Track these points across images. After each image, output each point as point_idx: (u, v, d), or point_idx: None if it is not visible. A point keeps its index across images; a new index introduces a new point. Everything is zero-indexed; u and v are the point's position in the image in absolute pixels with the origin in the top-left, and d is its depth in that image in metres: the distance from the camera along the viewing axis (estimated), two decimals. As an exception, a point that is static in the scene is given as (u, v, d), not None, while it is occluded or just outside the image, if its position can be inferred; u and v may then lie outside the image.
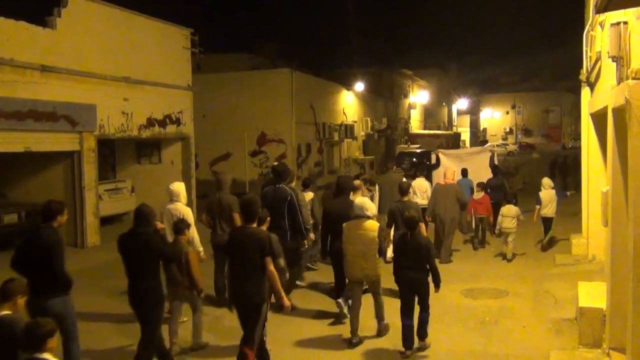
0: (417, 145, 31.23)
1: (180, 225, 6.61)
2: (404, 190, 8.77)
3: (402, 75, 40.27)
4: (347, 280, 7.20)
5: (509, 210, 10.89)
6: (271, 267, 5.34)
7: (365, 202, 6.93)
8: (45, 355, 3.76)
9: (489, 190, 12.34)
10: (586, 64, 9.62)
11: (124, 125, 13.83)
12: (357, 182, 9.36)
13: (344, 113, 28.48)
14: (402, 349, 6.34)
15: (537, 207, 11.53)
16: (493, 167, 13.75)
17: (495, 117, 74.92)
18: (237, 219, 7.41)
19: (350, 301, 6.95)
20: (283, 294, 5.51)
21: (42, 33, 11.72)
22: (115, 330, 7.34)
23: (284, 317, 6.66)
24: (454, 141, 39.06)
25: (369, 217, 6.73)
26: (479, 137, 65.16)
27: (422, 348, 6.45)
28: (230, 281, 5.76)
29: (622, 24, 5.59)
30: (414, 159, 21.11)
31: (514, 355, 6.38)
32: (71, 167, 12.66)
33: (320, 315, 7.79)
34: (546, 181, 11.83)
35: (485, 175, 13.63)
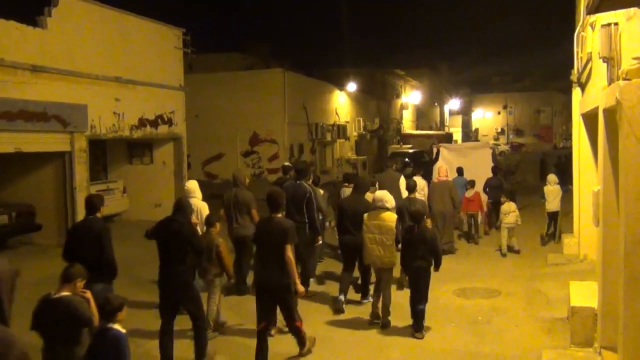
0: (410, 146, 31.26)
1: (211, 219, 7.04)
2: (412, 187, 9.56)
3: (394, 76, 40.33)
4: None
5: (509, 207, 11.36)
6: (289, 254, 5.84)
7: (385, 195, 7.48)
8: (116, 325, 4.41)
9: (487, 189, 12.98)
10: (577, 65, 9.68)
11: (115, 126, 13.76)
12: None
13: (336, 113, 28.49)
14: (415, 333, 6.95)
15: (543, 200, 12.25)
16: (493, 167, 14.07)
17: (487, 117, 75.21)
18: (256, 214, 8.26)
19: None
20: (297, 279, 6.03)
21: (33, 33, 11.63)
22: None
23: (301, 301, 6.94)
24: (446, 141, 39.12)
25: (388, 209, 7.32)
26: (470, 138, 65.36)
27: (419, 337, 6.89)
28: (257, 267, 6.23)
29: (612, 25, 5.64)
30: (407, 159, 21.26)
31: (506, 355, 6.40)
32: (62, 167, 12.56)
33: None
34: (551, 177, 12.35)
35: (484, 171, 13.87)
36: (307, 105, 24.60)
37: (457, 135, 54.76)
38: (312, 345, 6.32)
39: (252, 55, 31.12)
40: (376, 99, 35.52)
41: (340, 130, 27.90)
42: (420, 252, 6.85)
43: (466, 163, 14.18)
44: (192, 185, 8.23)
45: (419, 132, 41.44)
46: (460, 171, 13.41)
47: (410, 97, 43.75)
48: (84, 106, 12.64)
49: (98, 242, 5.85)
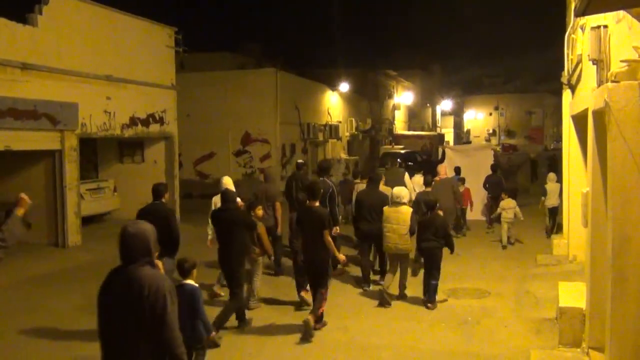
0: (401, 146, 31.33)
1: (254, 204, 7.95)
2: (428, 182, 11.16)
3: (386, 76, 40.40)
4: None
5: (508, 203, 12.36)
6: (328, 237, 7.12)
7: (402, 190, 8.57)
8: (189, 281, 5.43)
9: (487, 186, 14.20)
10: (567, 67, 9.73)
11: (106, 124, 13.69)
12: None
13: (328, 113, 28.50)
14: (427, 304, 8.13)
15: (543, 198, 13.22)
16: (492, 165, 15.00)
17: (479, 119, 75.43)
18: (279, 207, 9.57)
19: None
20: (337, 252, 7.51)
21: (23, 30, 11.55)
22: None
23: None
24: (437, 142, 39.27)
25: (404, 204, 8.36)
26: (462, 138, 65.57)
27: (431, 307, 8.04)
28: (303, 247, 7.46)
29: (602, 27, 5.68)
30: (398, 160, 21.43)
31: (495, 355, 6.43)
32: (52, 166, 12.49)
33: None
34: (552, 175, 13.38)
35: (487, 170, 14.80)
36: (300, 105, 24.60)
37: (449, 136, 54.98)
38: (323, 325, 7.19)
39: (245, 54, 31.05)
40: (368, 99, 35.57)
41: (332, 131, 27.90)
42: (432, 235, 8.09)
43: (469, 163, 15.52)
44: (226, 180, 9.07)
45: (411, 132, 41.53)
46: (457, 170, 14.43)
47: (403, 97, 43.84)
48: (75, 104, 12.57)
49: (166, 223, 6.66)
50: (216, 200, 8.42)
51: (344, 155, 29.62)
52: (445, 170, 12.92)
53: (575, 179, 9.73)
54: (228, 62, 28.42)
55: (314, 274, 7.29)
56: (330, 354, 6.52)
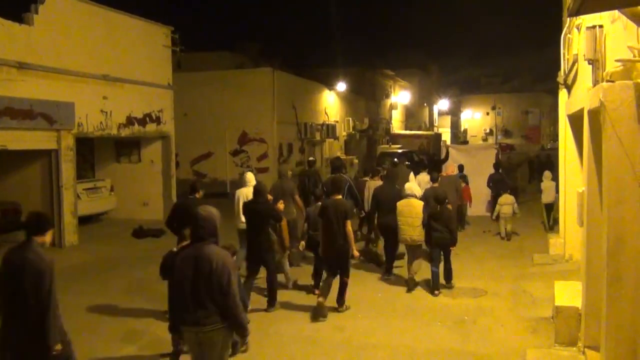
0: (399, 146, 31.31)
1: (281, 197, 8.86)
2: (435, 179, 11.66)
3: (383, 76, 40.41)
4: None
5: (506, 199, 13.00)
6: (349, 228, 7.72)
7: (414, 186, 9.57)
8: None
9: (490, 184, 14.93)
10: (564, 67, 9.74)
11: (103, 124, 13.68)
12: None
13: (325, 113, 28.49)
14: (433, 291, 8.71)
15: (539, 195, 14.07)
16: (495, 164, 15.73)
17: (476, 118, 75.53)
18: (299, 200, 10.16)
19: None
20: (354, 247, 7.94)
21: (19, 29, 11.54)
22: (95, 327, 7.27)
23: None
24: (435, 142, 39.26)
25: (416, 197, 9.13)
26: (459, 138, 65.62)
27: (450, 287, 9.00)
28: (324, 237, 7.91)
29: (597, 27, 5.68)
30: (395, 159, 21.53)
31: (491, 354, 6.44)
32: (49, 165, 12.48)
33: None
34: (547, 174, 13.99)
35: (489, 168, 15.53)
36: (297, 105, 24.59)
37: (446, 135, 54.97)
38: (346, 309, 7.67)
39: (242, 54, 31.01)
40: (365, 98, 35.57)
41: (330, 130, 27.89)
42: (443, 226, 8.74)
43: (472, 162, 16.40)
44: (249, 176, 9.72)
45: (408, 132, 41.52)
46: (460, 168, 15.23)
47: (400, 97, 43.86)
48: (71, 104, 12.55)
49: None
50: (243, 193, 9.22)
51: (341, 155, 29.65)
52: (452, 169, 14.41)
53: (572, 179, 9.76)
54: (225, 61, 28.37)
55: (336, 262, 7.81)
56: (327, 354, 6.53)
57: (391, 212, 9.24)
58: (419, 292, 8.90)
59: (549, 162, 22.04)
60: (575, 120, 8.45)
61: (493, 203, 14.40)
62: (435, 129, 54.47)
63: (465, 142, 56.66)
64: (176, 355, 6.10)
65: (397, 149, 29.16)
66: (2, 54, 11.03)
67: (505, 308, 8.05)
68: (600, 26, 5.68)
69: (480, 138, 70.73)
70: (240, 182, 9.67)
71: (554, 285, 7.31)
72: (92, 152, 16.61)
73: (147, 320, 7.56)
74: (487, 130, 74.64)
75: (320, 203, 8.52)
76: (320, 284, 8.22)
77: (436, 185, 11.13)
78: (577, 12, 3.95)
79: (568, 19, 8.79)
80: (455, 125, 66.24)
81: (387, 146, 32.03)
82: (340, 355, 6.48)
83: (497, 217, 13.03)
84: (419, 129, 46.53)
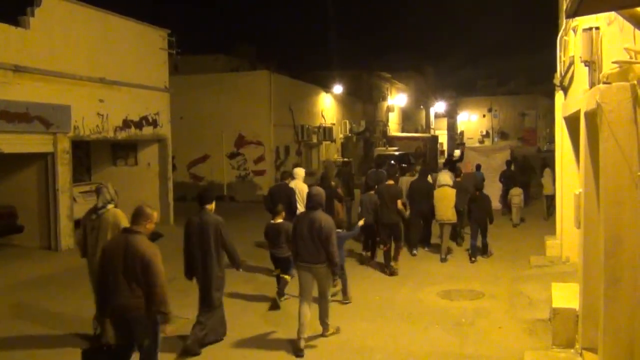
0: (396, 148, 31.38)
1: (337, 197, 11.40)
2: (458, 174, 13.15)
3: (380, 78, 40.45)
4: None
5: (515, 191, 15.44)
6: (401, 205, 10.70)
7: (447, 176, 11.73)
8: (279, 219, 8.59)
9: (502, 179, 16.91)
10: (560, 68, 9.76)
11: (99, 127, 13.64)
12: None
13: (322, 115, 28.50)
14: (471, 258, 11.20)
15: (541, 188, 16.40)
16: (507, 161, 17.73)
17: (473, 120, 75.61)
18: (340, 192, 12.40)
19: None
20: (405, 215, 11.22)
21: (15, 32, 11.50)
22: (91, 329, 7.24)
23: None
24: (431, 144, 39.33)
25: (449, 186, 11.42)
26: (456, 140, 65.71)
27: (487, 256, 11.46)
28: (381, 214, 10.39)
29: (593, 29, 5.70)
30: (392, 161, 21.74)
31: (489, 356, 6.44)
32: (45, 169, 12.43)
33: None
34: (547, 170, 15.80)
35: (503, 168, 17.59)
36: (293, 107, 24.59)
37: (443, 137, 55.05)
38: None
39: (238, 57, 31.03)
40: (362, 101, 35.60)
41: (326, 133, 27.89)
42: (481, 209, 11.22)
43: (488, 161, 18.18)
44: (298, 170, 11.01)
45: (404, 134, 41.60)
46: (478, 167, 17.12)
47: (396, 99, 43.91)
48: (67, 107, 12.52)
49: (288, 199, 9.89)
50: (296, 185, 10.45)
51: (338, 157, 29.66)
52: (470, 167, 16.98)
53: (568, 181, 9.76)
54: (222, 64, 28.39)
55: (390, 231, 10.35)
56: (325, 357, 6.51)
57: (424, 200, 11.59)
58: (417, 294, 8.89)
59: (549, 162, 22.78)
60: (572, 122, 8.46)
61: (504, 197, 16.55)
62: (432, 131, 54.54)
63: (462, 144, 56.80)
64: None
65: (394, 151, 29.22)
66: (-2, 57, 11.00)
67: (503, 310, 8.05)
68: (597, 28, 5.70)
69: (477, 140, 70.82)
70: (283, 177, 11.04)
71: (552, 287, 7.31)
72: (88, 155, 16.56)
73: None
74: (484, 133, 74.75)
75: (372, 192, 10.71)
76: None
77: (459, 179, 12.94)
78: (575, 13, 3.96)
79: (564, 21, 8.81)
80: (451, 128, 66.31)
81: (384, 148, 32.10)
82: (338, 358, 6.46)
83: (509, 206, 15.38)
84: (416, 132, 46.60)
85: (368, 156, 32.76)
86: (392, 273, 10.12)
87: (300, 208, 9.68)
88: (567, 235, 9.94)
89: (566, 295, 6.71)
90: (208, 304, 6.60)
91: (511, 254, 11.71)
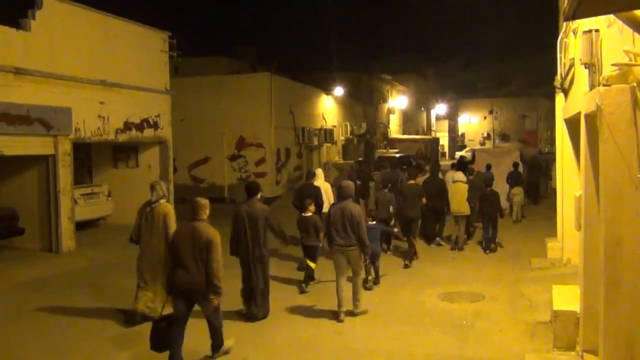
0: (396, 150, 31.40)
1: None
2: (471, 172, 14.35)
3: (381, 80, 40.49)
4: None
5: (517, 191, 16.46)
6: (424, 200, 11.62)
7: (461, 174, 12.90)
8: (308, 212, 9.59)
9: (509, 180, 17.39)
10: (560, 71, 9.75)
11: (100, 129, 13.65)
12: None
13: (323, 117, 28.52)
14: (485, 250, 12.10)
15: (550, 182, 17.73)
16: (514, 163, 18.34)
17: (473, 122, 75.61)
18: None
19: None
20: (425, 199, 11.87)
21: (16, 35, 11.53)
22: (92, 332, 7.24)
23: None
24: (432, 146, 39.35)
25: (462, 182, 12.52)
26: (457, 142, 65.71)
27: (499, 244, 12.53)
28: (402, 210, 11.48)
29: (593, 31, 5.70)
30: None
31: (489, 358, 6.43)
32: (46, 171, 12.43)
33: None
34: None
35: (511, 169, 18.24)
36: (294, 110, 24.61)
37: (444, 140, 55.08)
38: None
39: (239, 59, 31.08)
40: (363, 103, 35.62)
41: (327, 135, 27.91)
42: (491, 205, 12.12)
43: (497, 162, 18.68)
44: (320, 172, 12.02)
45: (405, 136, 41.64)
46: (488, 167, 17.59)
47: (397, 101, 43.93)
48: (68, 109, 12.54)
49: (315, 196, 10.38)
50: (322, 184, 11.32)
51: (338, 160, 29.68)
52: (480, 167, 17.67)
53: (569, 183, 9.76)
54: (222, 66, 28.42)
55: (410, 224, 11.39)
56: (324, 358, 6.51)
57: (437, 196, 12.35)
58: (417, 296, 8.89)
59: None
60: (572, 124, 8.46)
61: (510, 195, 17.16)
62: (433, 133, 54.56)
63: (463, 147, 56.82)
64: None
65: (395, 153, 29.23)
66: (-1, 59, 11.02)
67: (503, 312, 8.04)
68: (597, 30, 5.70)
69: (478, 142, 70.78)
70: (308, 177, 11.72)
71: (552, 289, 7.30)
72: (89, 158, 16.57)
73: (147, 325, 7.53)
74: (485, 135, 74.71)
75: (386, 190, 11.85)
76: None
77: (471, 177, 13.92)
78: (573, 16, 3.96)
79: (564, 23, 8.81)
80: (452, 130, 66.36)
81: (385, 151, 32.12)
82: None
83: (511, 204, 16.16)
84: (417, 134, 46.61)
85: (369, 158, 32.78)
86: (409, 260, 11.01)
87: (325, 204, 10.70)
88: (568, 237, 9.93)
89: (567, 298, 6.70)
90: (250, 280, 7.66)
91: (512, 256, 11.70)
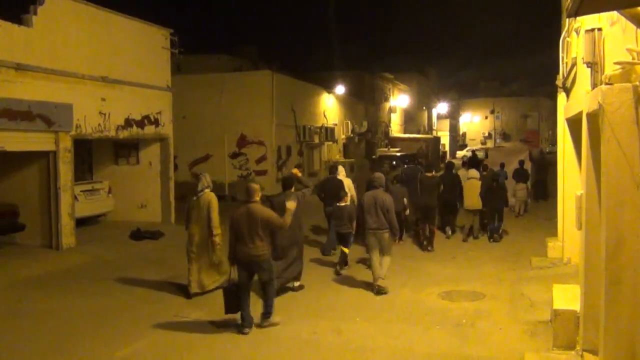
0: (398, 149, 31.38)
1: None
2: (484, 169, 15.94)
3: (382, 79, 40.45)
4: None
5: (520, 186, 17.54)
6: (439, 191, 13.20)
7: (475, 172, 14.18)
8: (343, 203, 10.59)
9: (515, 176, 18.20)
10: (562, 70, 9.73)
11: (101, 126, 13.64)
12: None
13: (324, 116, 28.50)
14: (489, 239, 13.30)
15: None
16: (520, 160, 19.32)
17: (475, 122, 75.65)
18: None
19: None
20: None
21: (18, 31, 11.51)
22: (91, 329, 7.24)
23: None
24: (434, 145, 39.33)
25: (476, 179, 13.69)
26: (458, 141, 65.66)
27: (498, 239, 13.24)
28: (421, 198, 12.84)
29: (596, 30, 5.66)
30: (394, 162, 21.86)
31: (489, 357, 6.42)
32: (46, 167, 12.43)
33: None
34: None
35: (526, 167, 19.22)
36: (295, 108, 24.59)
37: (445, 139, 55.01)
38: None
39: (241, 57, 31.07)
40: (364, 102, 35.59)
41: (328, 133, 27.90)
42: (497, 197, 13.19)
43: (509, 161, 20.18)
44: (341, 169, 12.62)
45: (407, 135, 41.60)
46: (502, 165, 18.84)
47: (399, 100, 43.90)
48: (69, 106, 12.53)
49: (337, 189, 11.20)
50: (345, 180, 12.11)
51: (339, 158, 29.66)
52: (491, 164, 18.77)
53: (570, 182, 9.74)
54: (224, 64, 28.42)
55: (428, 213, 12.53)
56: (325, 357, 6.50)
57: (451, 191, 13.46)
58: (418, 295, 8.89)
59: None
60: (574, 123, 8.44)
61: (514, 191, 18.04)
62: (434, 132, 54.50)
63: (464, 146, 56.75)
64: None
65: (396, 152, 29.21)
66: (0, 55, 11.00)
67: (504, 311, 8.03)
68: (599, 29, 5.67)
69: (479, 142, 70.77)
70: (332, 171, 12.54)
71: (553, 288, 7.29)
72: (90, 154, 16.57)
73: (146, 322, 7.53)
74: (486, 134, 74.72)
75: (398, 184, 12.83)
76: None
77: (485, 173, 15.05)
78: (576, 13, 3.94)
79: (567, 22, 8.79)
80: (454, 129, 66.29)
81: (386, 149, 32.11)
82: (338, 359, 6.46)
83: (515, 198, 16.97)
84: (418, 133, 46.56)
85: (370, 157, 32.77)
86: (427, 248, 12.30)
87: (347, 197, 11.35)
88: (568, 237, 9.92)
89: (567, 297, 6.69)
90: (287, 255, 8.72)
91: (512, 255, 11.69)
